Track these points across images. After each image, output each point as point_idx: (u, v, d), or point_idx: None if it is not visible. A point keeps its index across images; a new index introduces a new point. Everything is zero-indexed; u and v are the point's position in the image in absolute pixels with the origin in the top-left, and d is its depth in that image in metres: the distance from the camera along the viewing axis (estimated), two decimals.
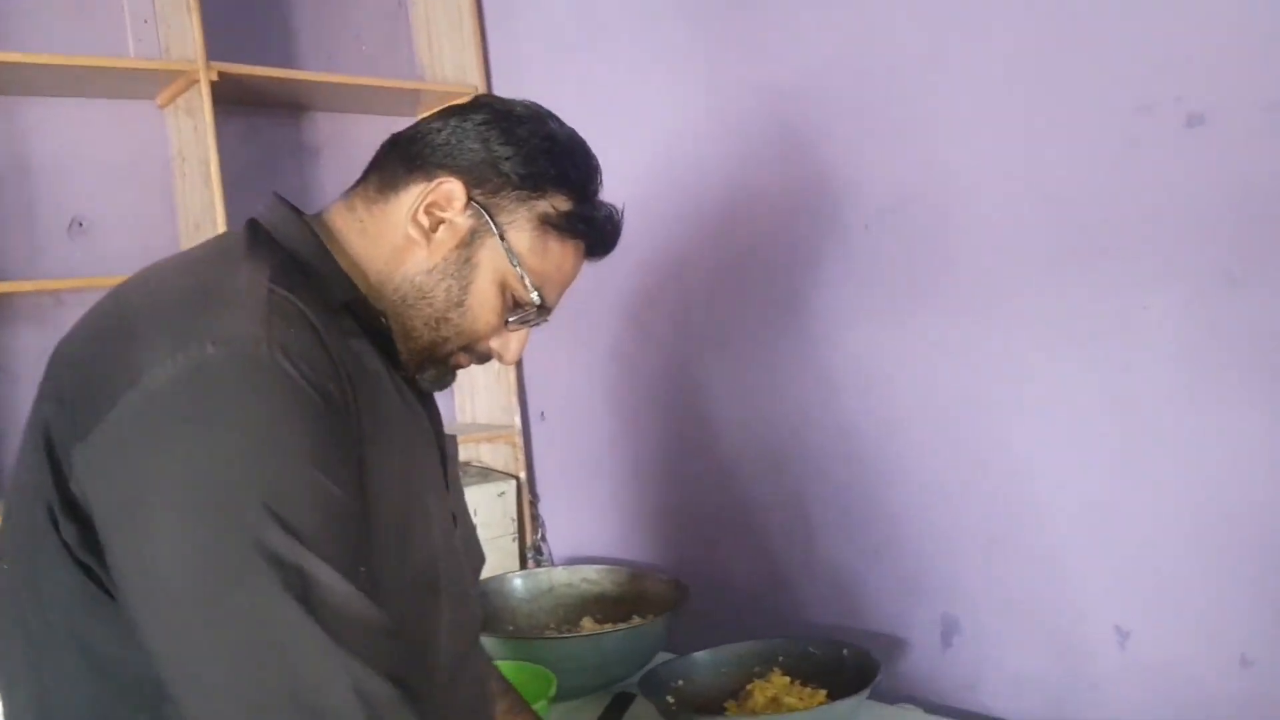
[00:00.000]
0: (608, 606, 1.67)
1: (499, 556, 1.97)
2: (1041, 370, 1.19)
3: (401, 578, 0.76)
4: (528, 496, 2.05)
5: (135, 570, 0.64)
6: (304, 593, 0.62)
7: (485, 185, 0.82)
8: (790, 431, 1.50)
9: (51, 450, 0.68)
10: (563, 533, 2.06)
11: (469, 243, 0.82)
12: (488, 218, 0.82)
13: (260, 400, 0.65)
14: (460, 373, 2.30)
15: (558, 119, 0.87)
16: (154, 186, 1.76)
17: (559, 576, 1.74)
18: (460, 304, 0.83)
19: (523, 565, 2.02)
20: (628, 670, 1.41)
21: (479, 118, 0.84)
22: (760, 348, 1.54)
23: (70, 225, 1.70)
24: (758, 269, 1.52)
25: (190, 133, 1.64)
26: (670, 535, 1.76)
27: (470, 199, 0.82)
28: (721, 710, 1.30)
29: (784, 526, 1.53)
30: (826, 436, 1.45)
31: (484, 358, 0.88)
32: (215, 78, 1.59)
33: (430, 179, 0.82)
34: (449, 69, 2.04)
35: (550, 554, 2.07)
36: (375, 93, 1.94)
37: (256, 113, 1.89)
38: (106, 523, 0.66)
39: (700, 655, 1.38)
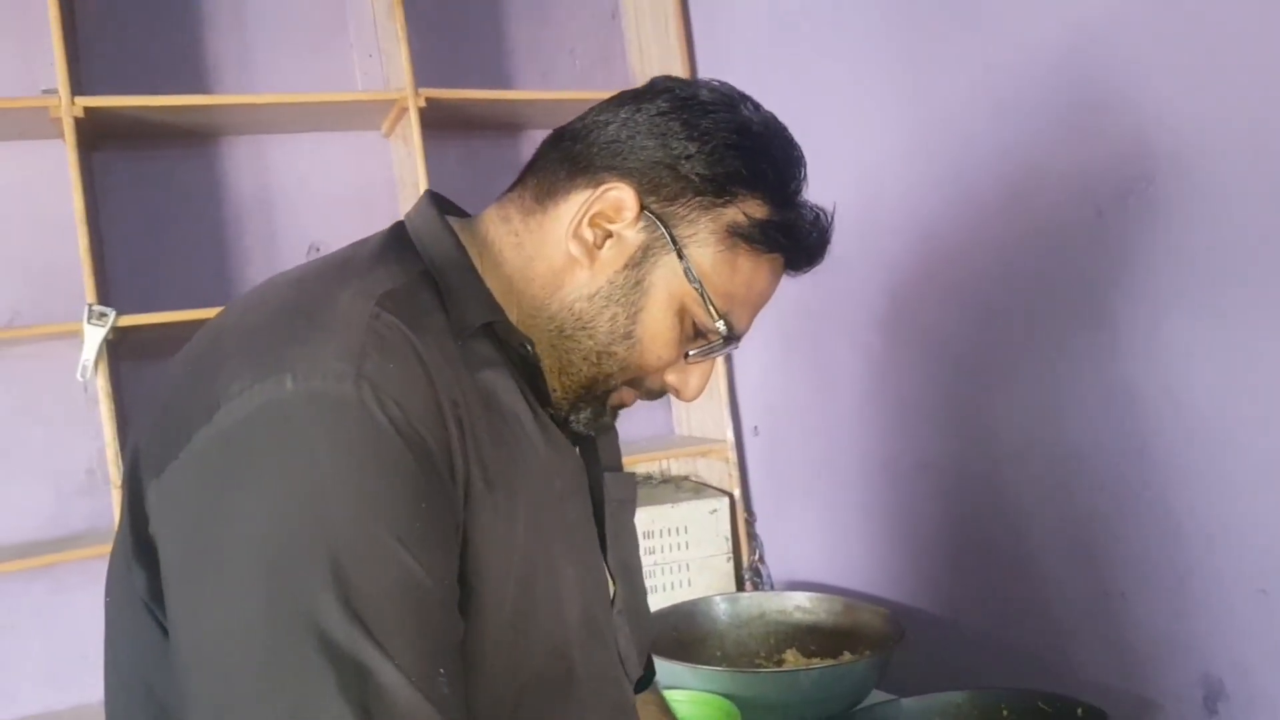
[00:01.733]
0: (821, 638, 1.56)
1: (712, 577, 1.91)
2: None
3: (522, 669, 0.64)
4: (743, 514, 1.98)
5: (184, 633, 0.56)
6: (362, 697, 0.51)
7: (662, 191, 0.68)
8: (1017, 456, 1.33)
9: (135, 487, 0.61)
10: (778, 554, 1.96)
11: (640, 261, 0.68)
12: (663, 230, 0.68)
13: (337, 449, 0.55)
14: None
15: (753, 103, 0.72)
16: (381, 211, 1.87)
17: (770, 602, 1.66)
18: (628, 335, 0.68)
19: (739, 587, 1.94)
20: (831, 711, 1.30)
21: (657, 107, 0.69)
22: (979, 361, 1.37)
23: (309, 251, 1.84)
24: (981, 279, 1.36)
25: (406, 159, 1.72)
26: (891, 563, 1.62)
27: (643, 208, 0.68)
28: None
29: (1016, 561, 1.36)
30: (1058, 463, 1.27)
31: (655, 394, 0.73)
32: (423, 104, 1.65)
33: (596, 185, 0.68)
34: (657, 73, 2.02)
35: (769, 576, 1.98)
36: (587, 105, 1.95)
37: (473, 136, 1.96)
38: (166, 573, 0.58)
39: (909, 702, 1.24)
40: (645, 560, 1.88)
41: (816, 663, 1.46)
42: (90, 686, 1.68)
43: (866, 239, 1.57)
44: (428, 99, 1.66)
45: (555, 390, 0.70)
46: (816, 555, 1.83)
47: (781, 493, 1.93)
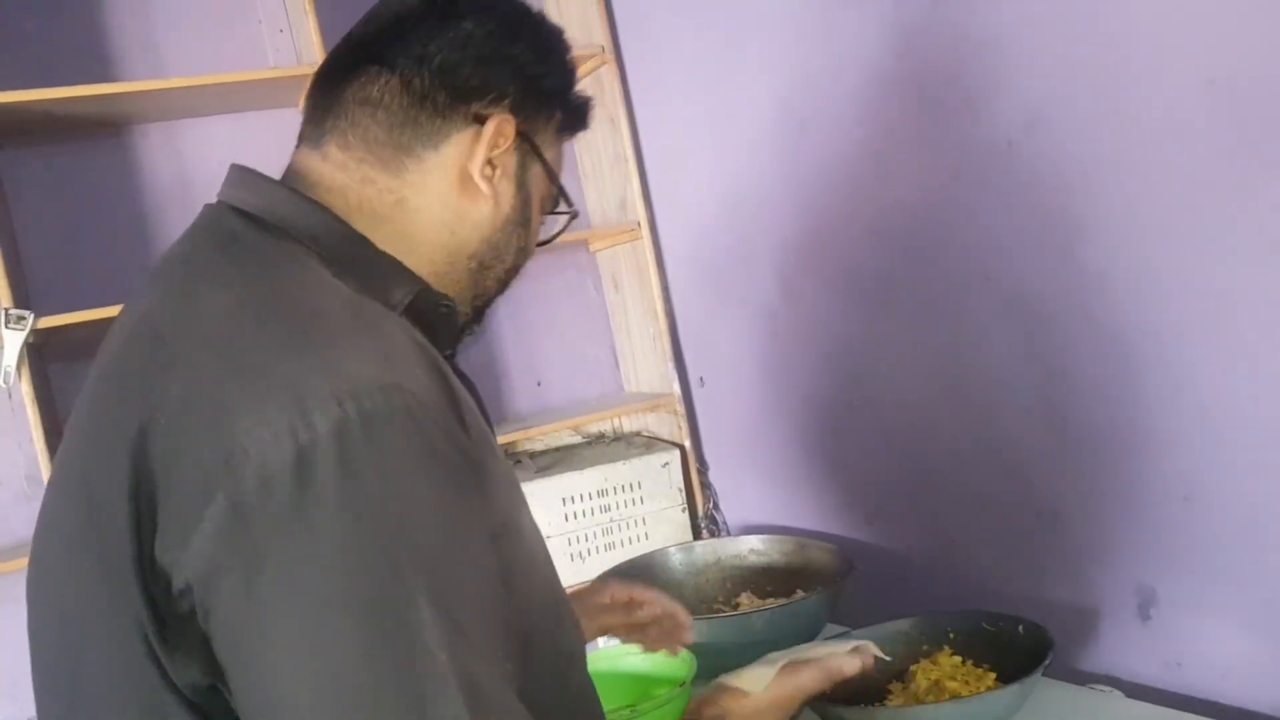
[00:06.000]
0: (776, 579, 1.59)
1: (669, 529, 1.94)
2: (1239, 294, 0.99)
3: (560, 650, 0.65)
4: (695, 465, 2.00)
5: (270, 689, 0.50)
6: (474, 702, 0.49)
7: (526, 110, 0.70)
8: (950, 388, 1.35)
9: (140, 561, 0.52)
10: (732, 501, 1.99)
11: (522, 180, 0.71)
12: (530, 145, 0.70)
13: (405, 469, 0.51)
14: (619, 341, 2.31)
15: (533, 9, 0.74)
16: None
17: (724, 548, 1.68)
18: (524, 247, 0.73)
19: (696, 536, 1.97)
20: (789, 647, 1.33)
21: (487, 26, 0.68)
22: (907, 297, 1.39)
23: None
24: (901, 217, 1.37)
25: None
26: (839, 501, 1.65)
27: (518, 130, 0.69)
28: (885, 694, 1.20)
29: (954, 489, 1.39)
30: (987, 390, 1.30)
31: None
32: None
33: (477, 121, 0.67)
34: (575, 32, 2.00)
35: (725, 525, 2.01)
36: None
37: None
38: (227, 651, 0.51)
39: (859, 633, 1.27)
40: (602, 517, 1.91)
41: (771, 603, 1.49)
42: None
43: (788, 184, 1.58)
44: None
45: (465, 313, 0.73)
46: (769, 499, 1.86)
47: (731, 441, 1.96)
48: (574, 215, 0.76)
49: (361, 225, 0.66)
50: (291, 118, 1.85)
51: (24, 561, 1.50)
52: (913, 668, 1.20)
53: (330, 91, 0.69)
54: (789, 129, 1.55)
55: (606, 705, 1.14)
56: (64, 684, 0.60)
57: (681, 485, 1.95)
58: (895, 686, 1.20)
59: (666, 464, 1.94)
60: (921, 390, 1.40)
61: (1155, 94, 1.02)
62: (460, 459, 0.54)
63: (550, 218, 0.77)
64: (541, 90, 0.70)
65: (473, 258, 0.70)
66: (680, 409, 1.98)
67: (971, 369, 1.32)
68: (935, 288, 1.34)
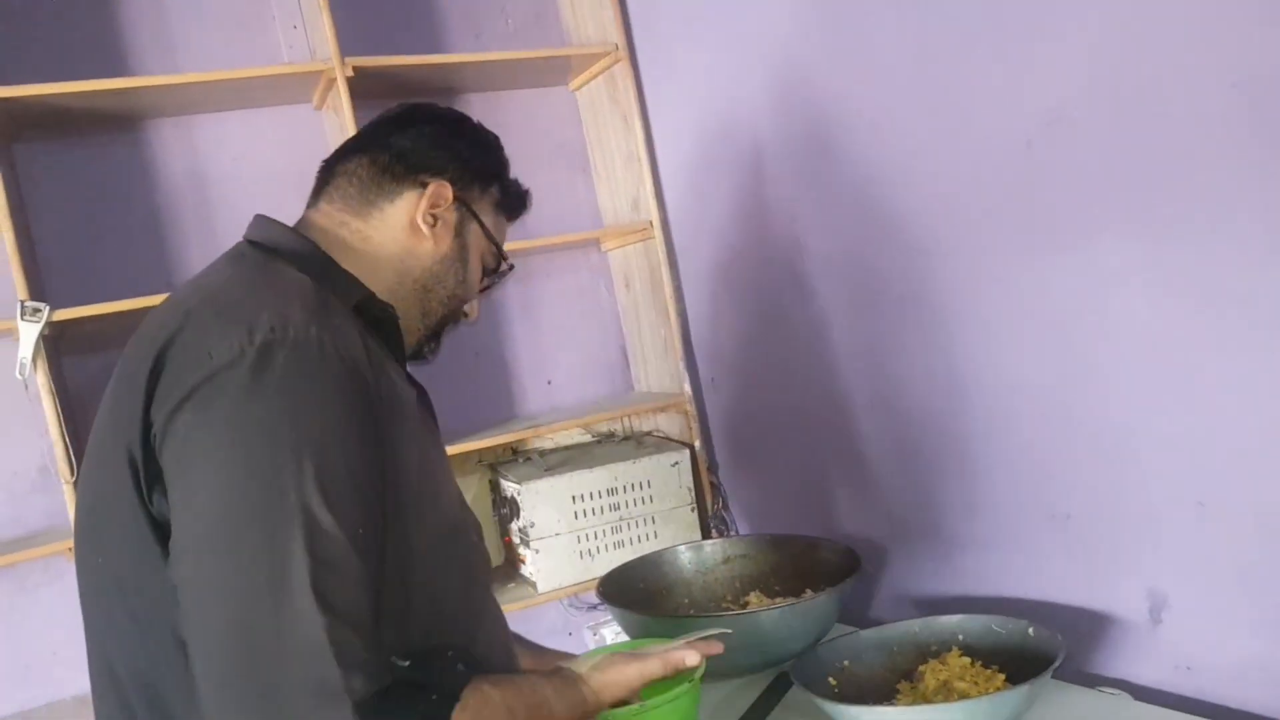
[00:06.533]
0: (785, 578, 1.59)
1: (678, 528, 1.93)
2: (1261, 298, 0.98)
3: (438, 526, 0.87)
4: (704, 465, 2.00)
5: (183, 512, 0.74)
6: (309, 539, 0.72)
7: (462, 182, 0.99)
8: (965, 391, 1.35)
9: (147, 432, 0.77)
10: (741, 501, 1.99)
11: (460, 231, 1.00)
12: (468, 209, 1.00)
13: (308, 377, 0.76)
14: (631, 343, 2.30)
15: (472, 120, 1.05)
16: None
17: (733, 548, 1.68)
18: (464, 281, 1.01)
19: (705, 536, 1.97)
20: (795, 648, 1.33)
21: (434, 128, 1.00)
22: (923, 299, 1.39)
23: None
24: (920, 217, 1.37)
25: (338, 131, 1.69)
26: (849, 502, 1.65)
27: (455, 196, 0.98)
28: (894, 693, 1.19)
29: (966, 494, 1.39)
30: (1000, 392, 1.29)
31: (458, 321, 1.05)
32: (350, 73, 1.62)
33: (422, 185, 0.97)
34: (590, 30, 2.00)
35: (734, 524, 2.01)
36: (520, 65, 1.93)
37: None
38: (173, 480, 0.75)
39: (868, 634, 1.27)
40: (611, 515, 1.91)
41: (780, 602, 1.49)
42: (62, 682, 1.68)
43: (803, 185, 1.57)
44: (355, 68, 1.63)
45: (417, 330, 0.99)
46: (778, 499, 1.86)
47: (741, 441, 1.95)
48: (510, 268, 1.06)
49: (335, 253, 0.93)
50: (305, 114, 1.85)
51: (37, 551, 1.52)
52: (921, 668, 1.20)
53: (329, 171, 1.00)
54: (803, 129, 1.55)
55: (616, 705, 1.16)
56: (86, 508, 0.86)
57: (691, 485, 1.95)
58: (904, 686, 1.20)
59: (676, 464, 1.94)
60: (936, 393, 1.40)
61: (1179, 95, 1.02)
62: (355, 384, 0.78)
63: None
64: (472, 170, 1.00)
65: (417, 281, 0.97)
66: (691, 409, 1.97)
67: (986, 372, 1.31)
68: (952, 289, 1.34)
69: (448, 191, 0.97)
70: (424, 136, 0.98)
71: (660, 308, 2.00)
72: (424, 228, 0.96)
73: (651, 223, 1.96)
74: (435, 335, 1.02)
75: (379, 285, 0.93)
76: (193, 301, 0.83)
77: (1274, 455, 1.00)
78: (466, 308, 1.05)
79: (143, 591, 0.78)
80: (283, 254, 0.89)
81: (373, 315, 0.90)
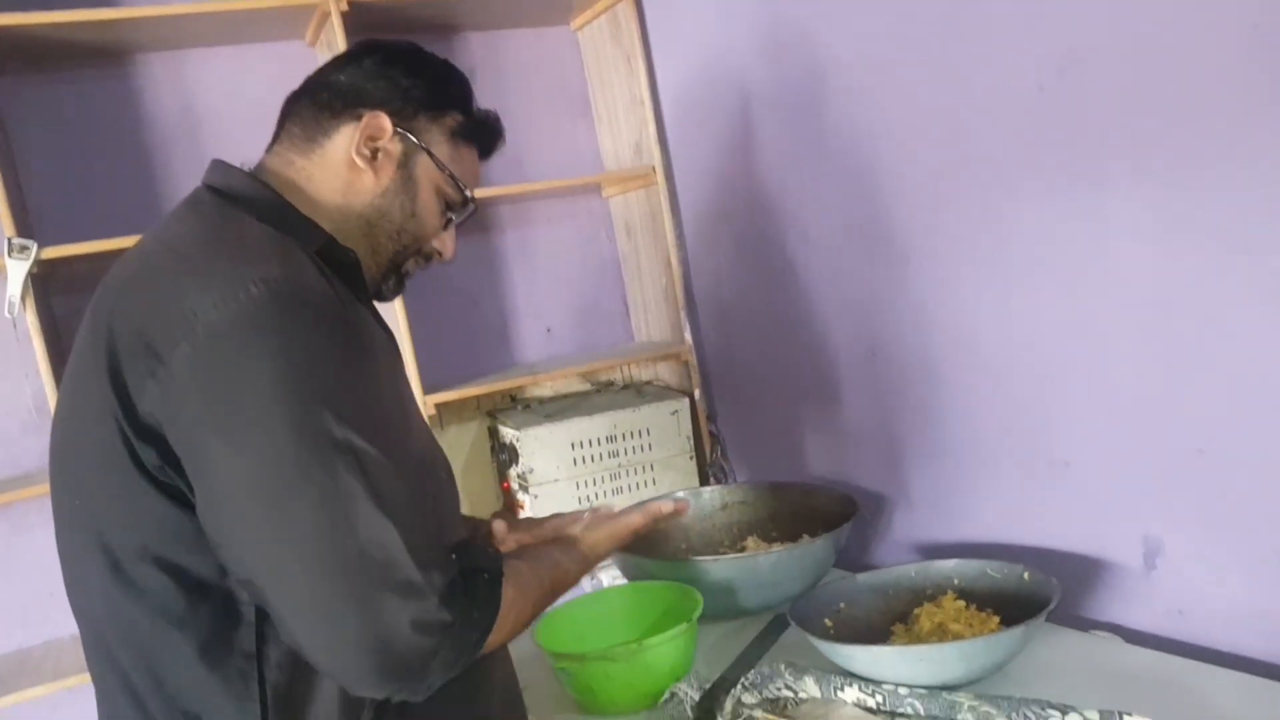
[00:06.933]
0: (782, 525, 1.59)
1: (676, 476, 1.93)
2: (1276, 248, 0.96)
3: (412, 458, 0.87)
4: (704, 414, 1.99)
5: (223, 480, 0.76)
6: (362, 468, 0.76)
7: (402, 113, 0.95)
8: (965, 335, 1.33)
9: (119, 387, 0.77)
10: (740, 449, 1.99)
11: (404, 163, 0.96)
12: (412, 139, 0.96)
13: (301, 327, 0.78)
14: (631, 293, 2.28)
15: (426, 50, 1.01)
16: None
17: (731, 495, 1.68)
18: (413, 214, 0.97)
19: (703, 484, 1.97)
20: (795, 591, 1.33)
21: (374, 59, 0.96)
22: (929, 248, 1.37)
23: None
24: (928, 164, 1.34)
25: None
26: (848, 451, 1.64)
27: (394, 127, 0.94)
28: (889, 635, 1.19)
29: (964, 440, 1.38)
30: (1005, 339, 1.28)
31: (429, 258, 1.02)
32: (345, 7, 1.58)
33: (358, 119, 0.93)
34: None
35: (733, 472, 2.00)
36: (524, 1, 1.88)
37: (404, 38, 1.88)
38: (188, 444, 0.76)
39: (864, 577, 1.27)
40: (610, 462, 1.91)
41: (777, 547, 1.49)
42: (60, 622, 1.69)
43: (811, 131, 1.54)
44: (350, 2, 1.60)
45: (371, 269, 0.96)
46: (777, 449, 1.85)
47: (741, 390, 1.94)
48: (472, 200, 1.00)
49: (289, 196, 0.92)
50: (297, 50, 1.82)
51: (32, 491, 1.51)
52: (916, 611, 1.20)
53: (283, 114, 0.99)
54: (809, 73, 1.52)
55: (614, 641, 1.17)
56: (62, 463, 0.86)
57: (690, 434, 1.95)
58: (899, 628, 1.20)
59: (675, 412, 1.93)
60: (938, 341, 1.38)
61: (1197, 36, 0.99)
62: (342, 324, 0.81)
63: None
64: (415, 99, 0.96)
65: (360, 216, 0.95)
66: (691, 359, 1.96)
67: (990, 321, 1.29)
68: (957, 236, 1.32)
69: (384, 122, 0.93)
70: (362, 70, 0.95)
71: (661, 256, 1.98)
72: (359, 161, 0.93)
73: (654, 168, 1.93)
74: (394, 273, 0.99)
75: (327, 224, 0.93)
76: (160, 256, 0.84)
77: (1276, 404, 0.99)
78: (437, 245, 1.01)
79: (123, 537, 0.80)
80: (242, 201, 0.89)
81: (334, 259, 0.90)
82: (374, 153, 0.94)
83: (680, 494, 1.21)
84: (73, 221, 1.67)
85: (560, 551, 1.02)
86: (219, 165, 0.94)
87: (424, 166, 0.96)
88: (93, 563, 0.81)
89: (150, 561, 0.79)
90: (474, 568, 0.84)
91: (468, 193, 1.00)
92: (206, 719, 0.80)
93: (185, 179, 1.77)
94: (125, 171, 1.75)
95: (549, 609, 0.99)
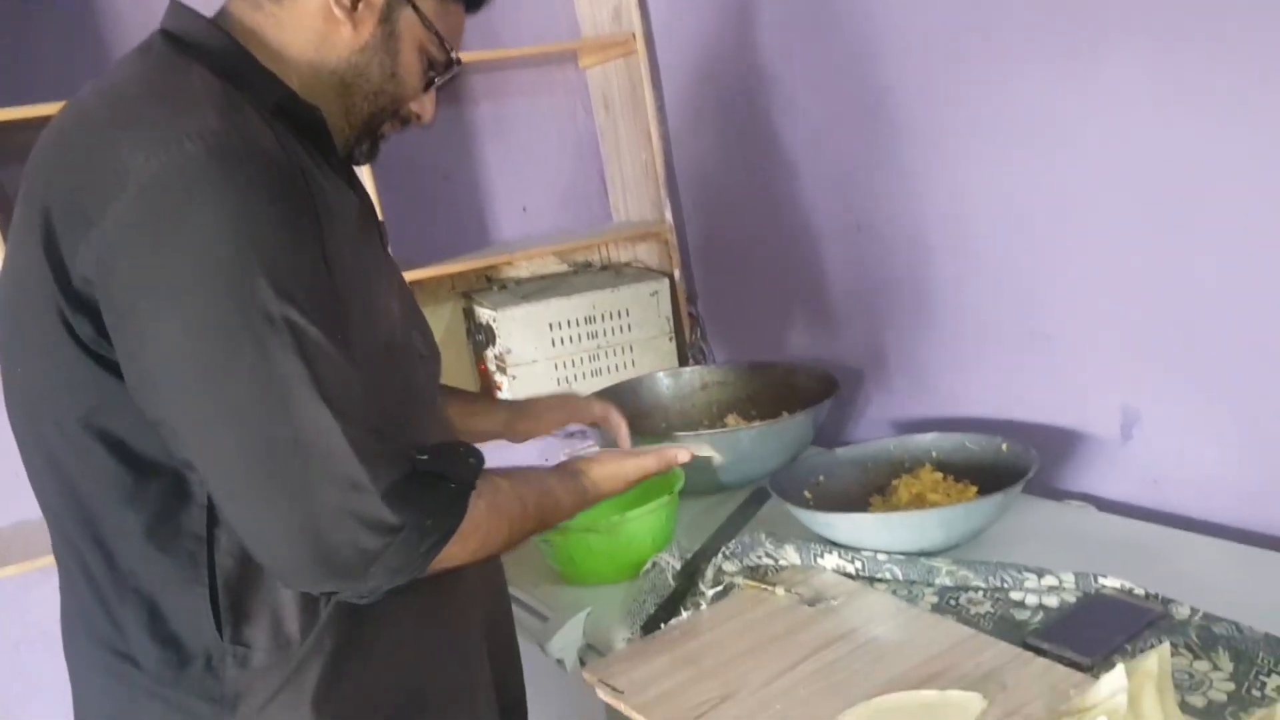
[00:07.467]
0: (763, 403, 1.60)
1: (655, 357, 1.92)
2: (1274, 112, 0.93)
3: (374, 341, 0.82)
4: (684, 295, 1.97)
5: (150, 349, 0.71)
6: (301, 349, 0.70)
7: None
8: (956, 207, 1.31)
9: (52, 252, 0.73)
10: (721, 330, 1.98)
11: (388, 17, 0.87)
12: None
13: (242, 187, 0.71)
14: (610, 170, 2.22)
15: None
16: None
17: (711, 374, 1.68)
18: (393, 74, 0.89)
19: (682, 365, 1.96)
20: (773, 466, 1.34)
21: None
22: (916, 118, 1.33)
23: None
24: (915, 31, 1.29)
25: None
26: (830, 328, 1.64)
27: None
28: (867, 505, 1.21)
29: (948, 314, 1.37)
30: (996, 211, 1.26)
31: (406, 122, 0.94)
32: None
33: None
34: None
35: (712, 353, 2.00)
36: None
37: None
38: (117, 311, 0.71)
39: (843, 451, 1.28)
40: (589, 344, 1.90)
41: (757, 423, 1.49)
42: (29, 501, 1.67)
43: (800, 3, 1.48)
44: None
45: (343, 130, 0.89)
46: (758, 330, 1.84)
47: (722, 270, 1.92)
48: (456, 63, 0.92)
49: (250, 45, 0.84)
50: None
51: None
52: (894, 482, 1.21)
53: None
54: None
55: (598, 517, 1.17)
56: (8, 335, 0.81)
57: (670, 315, 1.93)
58: (876, 499, 1.22)
59: (655, 293, 1.91)
60: (927, 214, 1.36)
61: None
62: (286, 185, 0.74)
63: None
64: None
65: (334, 73, 0.87)
66: (671, 239, 1.93)
67: (977, 194, 1.27)
68: (950, 104, 1.28)
69: None
70: None
71: (641, 131, 1.92)
72: (338, 11, 0.85)
73: (634, 35, 1.85)
74: (369, 136, 0.92)
75: (294, 79, 0.85)
76: (95, 110, 0.77)
77: (1263, 277, 0.98)
78: (416, 108, 0.94)
79: (66, 410, 0.77)
80: (193, 49, 0.81)
81: (297, 116, 0.83)
82: (354, 3, 0.85)
83: (706, 449, 1.12)
84: (14, 83, 1.58)
85: (557, 479, 0.94)
86: (175, 7, 0.85)
87: (408, 22, 0.88)
88: (42, 438, 0.79)
89: (94, 435, 0.76)
90: (440, 474, 0.78)
91: (453, 53, 0.91)
92: (159, 600, 0.78)
93: (135, 36, 1.67)
94: (71, 27, 1.65)
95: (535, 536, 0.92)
